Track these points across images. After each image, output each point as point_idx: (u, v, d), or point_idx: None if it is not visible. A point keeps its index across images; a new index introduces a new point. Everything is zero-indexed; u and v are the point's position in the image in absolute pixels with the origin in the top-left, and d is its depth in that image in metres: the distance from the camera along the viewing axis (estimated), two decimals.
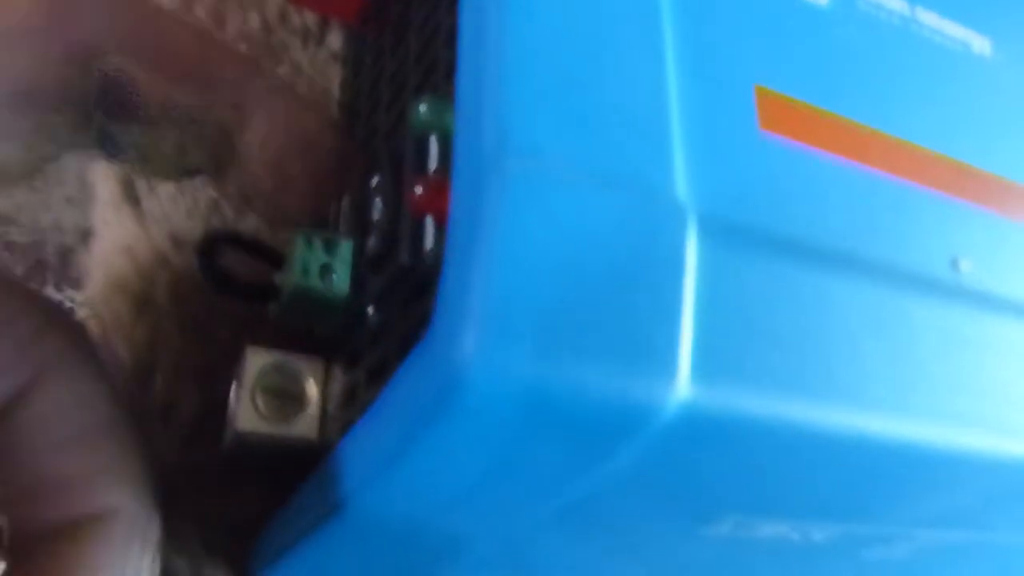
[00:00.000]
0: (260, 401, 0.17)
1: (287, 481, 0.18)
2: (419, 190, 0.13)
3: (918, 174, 0.16)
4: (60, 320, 0.14)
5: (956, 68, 0.18)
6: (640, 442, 0.12)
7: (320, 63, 0.24)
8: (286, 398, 0.18)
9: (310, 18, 0.24)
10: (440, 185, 0.13)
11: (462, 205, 0.11)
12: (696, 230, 0.12)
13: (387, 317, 0.15)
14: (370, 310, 0.16)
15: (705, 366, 0.12)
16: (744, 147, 0.14)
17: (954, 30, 0.19)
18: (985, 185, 0.17)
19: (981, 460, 0.15)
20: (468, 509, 0.14)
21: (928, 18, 0.19)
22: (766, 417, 0.12)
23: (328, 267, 0.17)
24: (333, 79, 0.24)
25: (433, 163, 0.14)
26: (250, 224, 0.20)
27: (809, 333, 0.13)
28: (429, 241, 0.13)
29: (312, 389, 0.18)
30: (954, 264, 0.15)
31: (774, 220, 0.13)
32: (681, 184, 0.12)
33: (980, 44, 0.19)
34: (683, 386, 0.12)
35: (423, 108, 0.14)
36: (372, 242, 0.15)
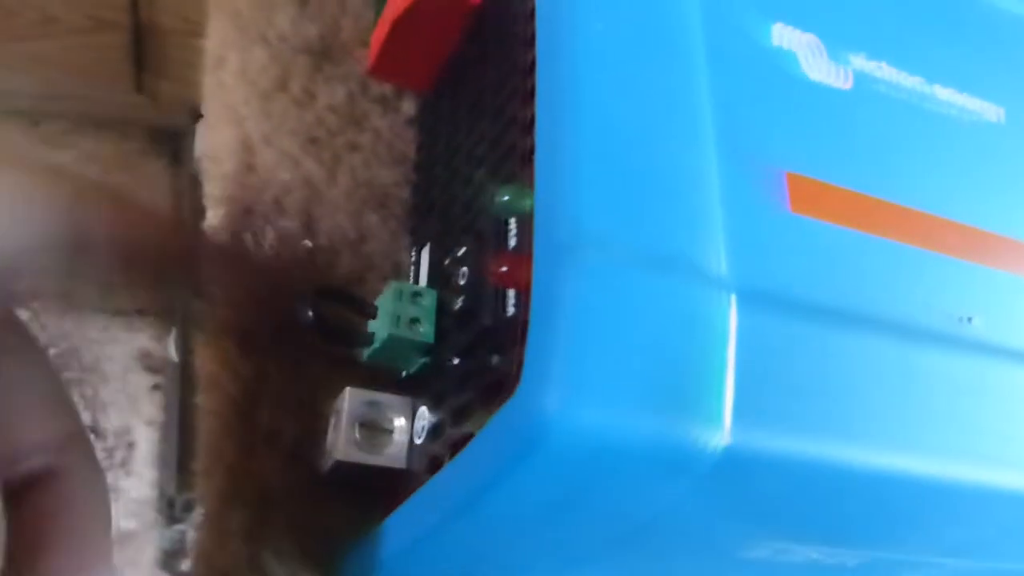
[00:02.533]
0: (357, 433, 0.20)
1: (374, 498, 0.21)
2: (502, 269, 0.16)
3: (935, 242, 0.18)
4: (5, 312, 0.18)
5: (971, 137, 0.21)
6: (689, 481, 0.14)
7: (397, 127, 0.27)
8: (377, 430, 0.21)
9: (387, 87, 0.27)
10: (519, 262, 0.16)
11: (543, 285, 0.14)
12: (736, 303, 0.15)
13: (470, 367, 0.18)
14: (455, 360, 0.19)
15: (744, 416, 0.14)
16: (776, 228, 0.16)
17: (968, 102, 0.21)
18: (998, 247, 0.19)
19: (993, 494, 0.17)
20: (534, 537, 0.17)
21: (944, 93, 0.21)
22: (796, 459, 0.15)
23: (416, 318, 0.20)
24: (409, 142, 0.27)
25: (512, 242, 0.17)
26: None
27: (836, 385, 0.15)
28: (512, 309, 0.16)
29: (400, 423, 0.21)
30: (967, 321, 0.17)
31: (804, 290, 0.16)
32: (723, 264, 0.15)
33: (994, 113, 0.21)
34: (726, 433, 0.14)
35: (506, 198, 0.16)
36: (459, 304, 0.18)
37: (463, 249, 0.18)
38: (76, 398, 0.20)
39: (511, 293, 0.16)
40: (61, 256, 0.17)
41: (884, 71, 0.20)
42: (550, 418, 0.13)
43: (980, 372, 0.17)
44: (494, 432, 0.14)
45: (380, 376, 0.22)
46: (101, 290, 0.19)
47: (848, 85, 0.19)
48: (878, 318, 0.16)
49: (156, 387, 1.01)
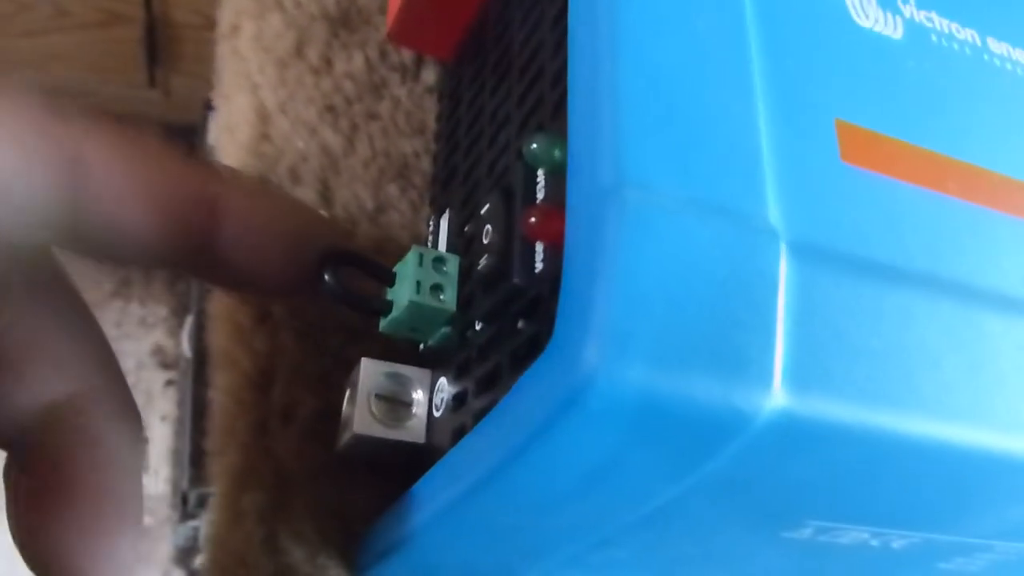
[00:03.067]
0: (374, 407, 0.19)
1: (393, 477, 0.20)
2: (533, 219, 0.15)
3: (993, 199, 0.17)
4: (39, 251, 0.16)
5: None
6: (736, 446, 0.13)
7: (417, 96, 0.26)
8: (396, 404, 0.20)
9: (407, 56, 0.26)
10: (550, 214, 0.15)
11: (579, 232, 0.13)
12: (787, 253, 0.13)
13: (497, 332, 0.17)
14: (478, 325, 0.18)
15: (796, 376, 0.13)
16: (827, 177, 0.15)
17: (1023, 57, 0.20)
18: None
19: None
20: (568, 509, 0.15)
21: (999, 47, 0.20)
22: (851, 424, 0.14)
23: (438, 284, 0.19)
24: (429, 111, 0.26)
25: (542, 194, 0.16)
26: None
27: (892, 347, 0.14)
28: (539, 264, 0.15)
29: (420, 396, 0.20)
30: None
31: (857, 244, 0.15)
32: (773, 212, 0.14)
33: None
34: (776, 394, 0.13)
35: (535, 146, 0.15)
36: (484, 263, 0.17)
37: (487, 206, 0.17)
38: None
39: (539, 248, 0.15)
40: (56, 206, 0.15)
41: (935, 21, 0.19)
42: (591, 373, 0.12)
43: None
44: (526, 391, 0.13)
45: (398, 348, 0.21)
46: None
47: (898, 34, 0.18)
48: (939, 277, 0.15)
49: (170, 383, 1.01)
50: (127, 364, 0.89)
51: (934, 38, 0.18)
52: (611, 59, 0.14)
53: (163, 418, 0.88)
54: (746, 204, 0.14)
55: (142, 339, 0.91)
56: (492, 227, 0.17)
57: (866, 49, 0.17)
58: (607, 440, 0.13)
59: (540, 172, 0.16)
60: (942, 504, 0.17)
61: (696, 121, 0.14)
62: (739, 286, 0.13)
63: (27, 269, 0.16)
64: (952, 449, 0.15)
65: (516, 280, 0.15)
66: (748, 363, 0.13)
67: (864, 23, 0.18)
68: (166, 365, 0.89)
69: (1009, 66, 0.19)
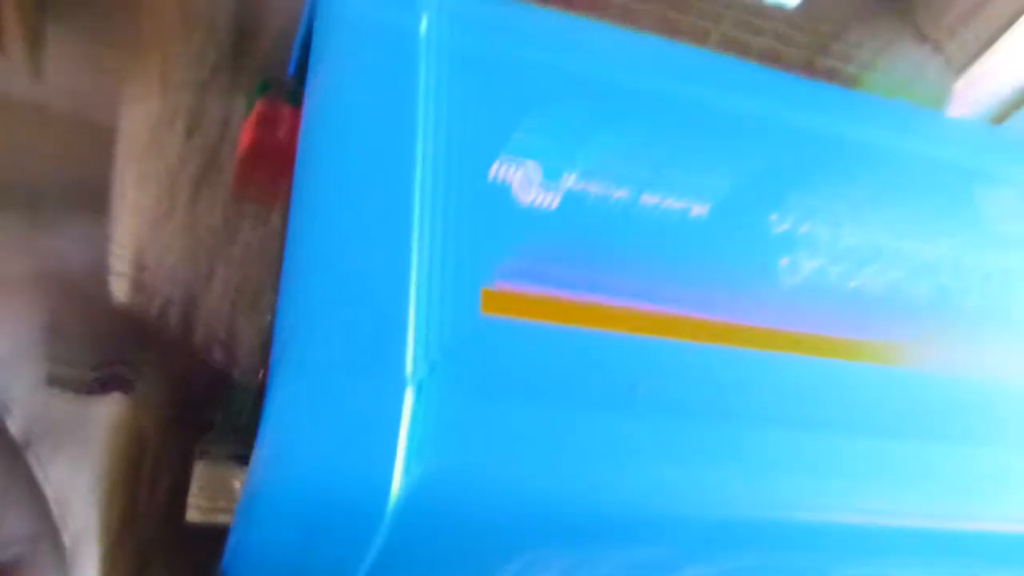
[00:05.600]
0: (203, 500, 0.26)
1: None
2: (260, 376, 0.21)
3: (608, 322, 0.23)
4: None
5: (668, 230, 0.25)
6: (381, 532, 0.19)
7: (268, 239, 0.32)
8: (229, 490, 0.26)
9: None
10: None
11: (272, 387, 0.20)
12: (414, 392, 0.20)
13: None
14: None
15: (413, 478, 0.19)
16: (465, 329, 0.21)
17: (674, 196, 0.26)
18: (670, 319, 0.24)
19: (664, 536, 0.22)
20: None
21: (651, 199, 0.26)
22: (474, 511, 0.20)
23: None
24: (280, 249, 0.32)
25: None
26: None
27: (514, 449, 0.20)
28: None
29: (239, 487, 0.26)
30: (633, 387, 0.22)
31: (485, 379, 0.21)
32: (409, 364, 0.20)
33: (698, 209, 0.26)
34: (395, 491, 0.19)
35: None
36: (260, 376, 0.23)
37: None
38: None
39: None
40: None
41: (593, 187, 0.25)
42: (260, 482, 0.18)
43: (649, 431, 0.22)
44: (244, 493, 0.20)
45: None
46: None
47: (555, 204, 0.24)
48: (558, 390, 0.21)
49: None
50: None
51: (590, 201, 0.25)
52: (295, 238, 0.21)
53: None
54: (388, 361, 0.20)
55: None
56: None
57: (523, 223, 0.24)
58: (280, 536, 0.19)
59: None
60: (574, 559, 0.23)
61: (356, 298, 0.20)
62: (370, 420, 0.19)
63: None
64: (573, 522, 0.21)
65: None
66: (372, 473, 0.19)
67: (525, 200, 0.24)
68: None
69: (659, 214, 0.25)
